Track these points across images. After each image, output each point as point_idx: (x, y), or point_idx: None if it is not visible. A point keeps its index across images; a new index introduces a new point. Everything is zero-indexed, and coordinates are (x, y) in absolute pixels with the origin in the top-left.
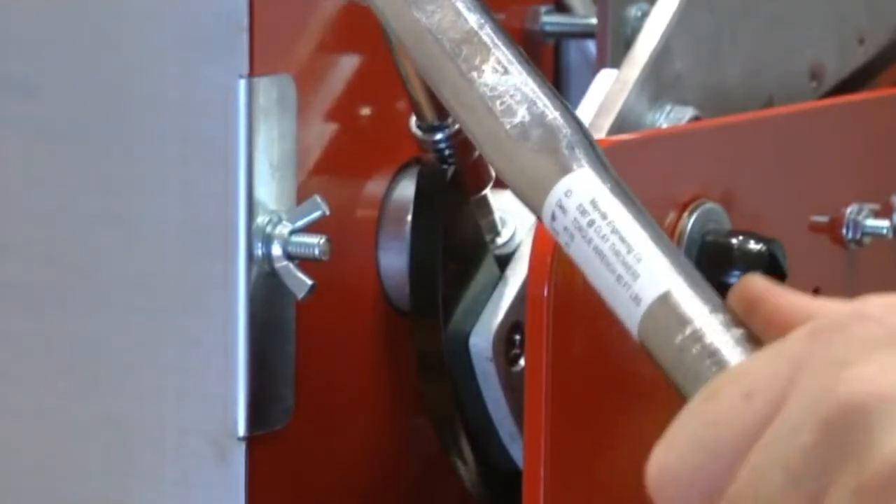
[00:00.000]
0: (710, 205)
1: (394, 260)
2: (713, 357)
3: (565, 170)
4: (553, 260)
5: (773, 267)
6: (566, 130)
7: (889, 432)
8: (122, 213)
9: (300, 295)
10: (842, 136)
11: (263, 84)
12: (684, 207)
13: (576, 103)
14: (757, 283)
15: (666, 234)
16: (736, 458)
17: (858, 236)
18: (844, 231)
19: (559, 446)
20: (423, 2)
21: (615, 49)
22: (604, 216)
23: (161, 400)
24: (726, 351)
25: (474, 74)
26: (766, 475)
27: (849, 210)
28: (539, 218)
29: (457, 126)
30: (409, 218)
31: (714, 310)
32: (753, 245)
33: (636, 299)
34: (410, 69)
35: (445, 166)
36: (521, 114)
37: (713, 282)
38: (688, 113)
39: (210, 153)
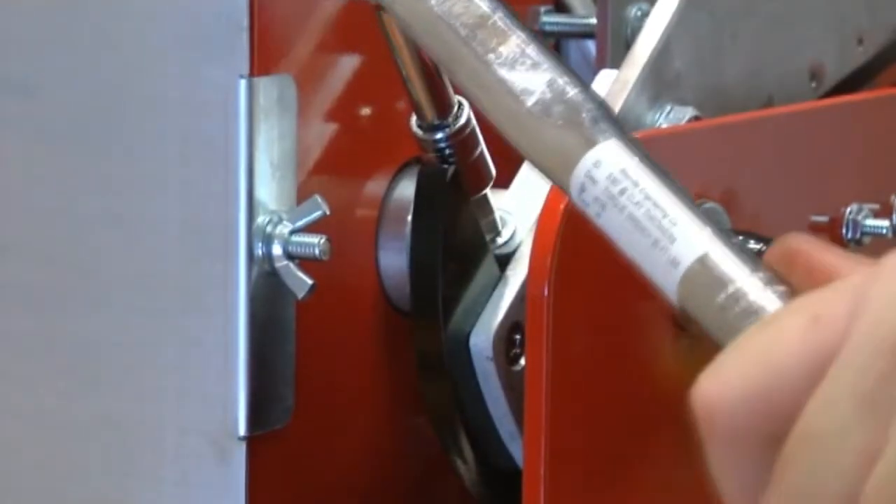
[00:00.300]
0: (710, 205)
1: (394, 260)
2: (757, 314)
3: (591, 142)
4: (553, 260)
5: None
6: (589, 105)
7: None
8: (122, 213)
9: (300, 295)
10: (842, 136)
11: (264, 84)
12: None
13: None
14: (797, 240)
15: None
16: (797, 385)
17: (858, 236)
18: (844, 231)
19: (559, 446)
20: None
21: (615, 49)
22: (635, 184)
23: (161, 400)
24: (771, 307)
25: (491, 56)
26: (839, 405)
27: (848, 210)
28: (567, 191)
29: (458, 125)
30: (410, 218)
31: (754, 269)
32: (753, 245)
33: (674, 262)
34: (411, 68)
35: (446, 166)
36: (541, 91)
37: None
38: (688, 113)
39: (210, 153)
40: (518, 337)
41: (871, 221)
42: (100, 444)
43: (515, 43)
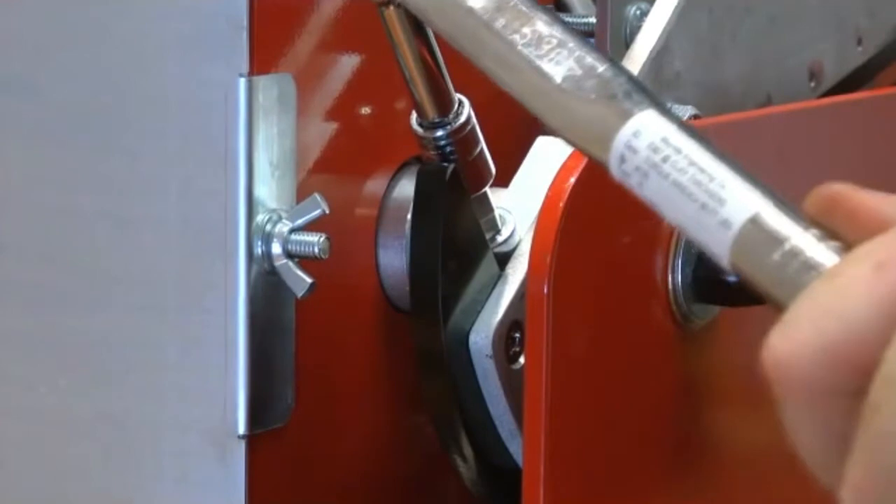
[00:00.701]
0: None
1: (394, 258)
2: (817, 269)
3: (627, 114)
4: (553, 258)
5: None
6: (620, 79)
7: None
8: (122, 213)
9: (300, 293)
10: (841, 135)
11: (263, 83)
12: None
13: None
14: (834, 186)
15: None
16: (871, 333)
17: None
18: None
19: (559, 444)
20: None
21: (614, 48)
22: (678, 150)
23: (161, 398)
24: (829, 261)
25: (516, 38)
26: None
27: None
28: (605, 165)
29: (458, 123)
30: (409, 216)
31: (807, 226)
32: None
33: (726, 224)
34: (412, 66)
35: (446, 164)
36: (570, 68)
37: (713, 281)
38: (687, 112)
39: (210, 152)
40: (518, 335)
41: None
42: (100, 443)
43: (538, 24)
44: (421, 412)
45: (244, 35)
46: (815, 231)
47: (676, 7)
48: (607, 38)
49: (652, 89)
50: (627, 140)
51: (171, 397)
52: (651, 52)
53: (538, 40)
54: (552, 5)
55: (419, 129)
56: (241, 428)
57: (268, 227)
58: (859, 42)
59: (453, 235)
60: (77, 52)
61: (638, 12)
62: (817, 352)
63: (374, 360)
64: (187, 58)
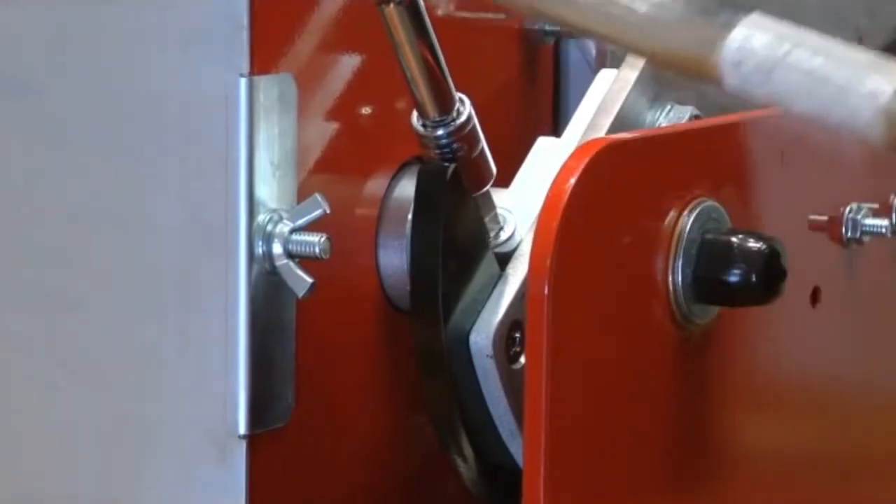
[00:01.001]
0: (709, 203)
1: (394, 258)
2: None
3: (729, 23)
4: (553, 258)
5: (772, 266)
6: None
7: None
8: (122, 213)
9: (300, 293)
10: (841, 135)
11: (264, 83)
12: (684, 206)
13: (576, 103)
14: None
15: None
16: None
17: (857, 235)
18: (844, 230)
19: (559, 444)
20: None
21: (615, 49)
22: (798, 44)
23: (162, 398)
24: None
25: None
26: None
27: (848, 209)
28: (714, 77)
29: (459, 121)
30: (410, 216)
31: None
32: (753, 244)
33: (873, 95)
34: (413, 65)
35: (447, 163)
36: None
37: (714, 281)
38: (687, 112)
39: (211, 152)
40: (518, 335)
41: (870, 220)
42: (100, 443)
43: None
44: (421, 412)
45: (244, 35)
46: None
47: None
48: None
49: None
50: (739, 45)
51: (172, 397)
52: None
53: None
54: None
55: (420, 128)
56: (242, 428)
57: (269, 227)
58: (859, 42)
59: (454, 235)
60: (77, 52)
61: None
62: None
63: (375, 360)
64: (187, 58)
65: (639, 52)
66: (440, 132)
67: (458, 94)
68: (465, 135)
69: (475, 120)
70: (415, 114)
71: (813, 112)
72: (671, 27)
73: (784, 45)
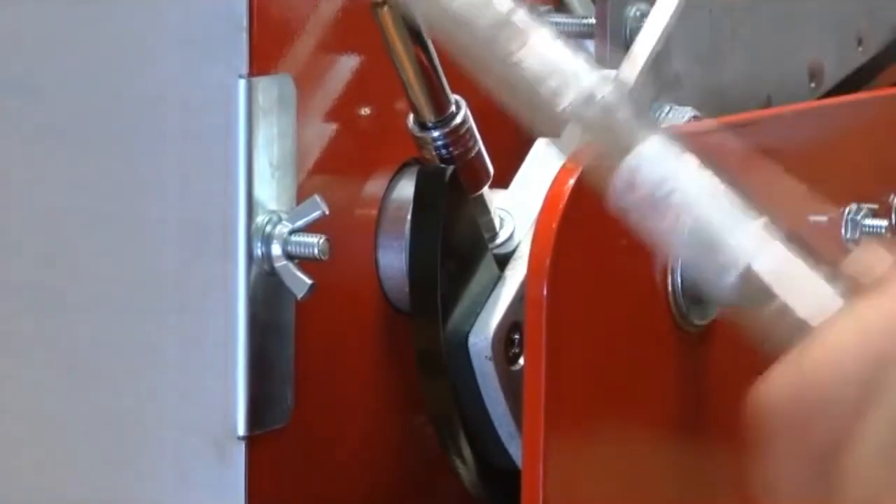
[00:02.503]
0: None
1: (393, 259)
2: (807, 327)
3: (628, 146)
4: (552, 260)
5: None
6: (623, 107)
7: None
8: (122, 213)
9: (300, 294)
10: (841, 136)
11: (263, 84)
12: None
13: None
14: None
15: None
16: (853, 395)
17: (857, 236)
18: (843, 231)
19: (558, 446)
20: None
21: (614, 49)
22: (678, 188)
23: (161, 399)
24: (822, 318)
25: (515, 59)
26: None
27: (848, 210)
28: (608, 193)
29: (454, 123)
30: (409, 217)
31: (815, 264)
32: None
33: (726, 267)
34: (407, 67)
35: (445, 165)
36: (571, 96)
37: None
38: (686, 113)
39: (209, 153)
40: (517, 337)
41: (870, 221)
42: (100, 444)
43: (539, 43)
44: (420, 413)
45: (244, 36)
46: (822, 270)
47: (676, 8)
48: (607, 38)
49: (650, 114)
50: (629, 172)
51: (171, 398)
52: (651, 53)
53: (539, 64)
54: (552, 6)
55: (416, 130)
56: (241, 429)
57: (268, 229)
58: (859, 42)
59: (453, 236)
60: (77, 52)
61: (638, 13)
62: (798, 402)
63: (374, 361)
64: (187, 58)
65: (554, 147)
66: (436, 134)
67: (454, 97)
68: (460, 136)
69: (471, 122)
70: (411, 116)
71: (681, 259)
72: (577, 135)
73: (668, 185)
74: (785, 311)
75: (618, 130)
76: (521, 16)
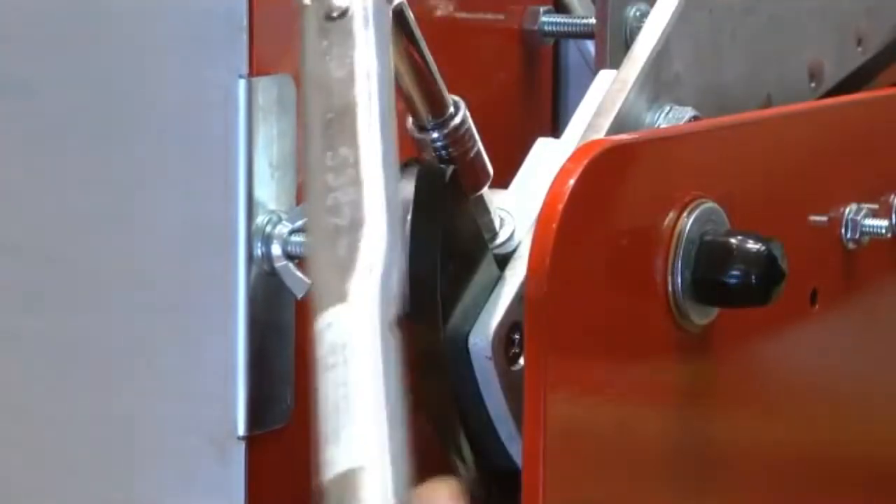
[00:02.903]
0: (709, 205)
1: None
2: None
3: (340, 298)
4: (552, 260)
5: (771, 267)
6: (374, 253)
7: None
8: (122, 213)
9: (300, 294)
10: (841, 136)
11: (263, 84)
12: (683, 207)
13: (575, 103)
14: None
15: (402, 399)
16: None
17: (857, 236)
18: (843, 231)
19: (558, 446)
20: (334, 46)
21: (614, 49)
22: (346, 363)
23: (161, 399)
24: None
25: (329, 155)
26: None
27: (848, 210)
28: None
29: (453, 124)
30: (409, 217)
31: (396, 492)
32: (752, 245)
33: (330, 462)
34: (403, 69)
35: (444, 166)
36: (344, 216)
37: (713, 282)
38: (687, 113)
39: (210, 153)
40: (517, 337)
41: (870, 221)
42: (100, 443)
43: (357, 151)
44: (420, 414)
45: (244, 36)
46: (398, 500)
47: (676, 8)
48: (607, 38)
49: (401, 269)
50: (325, 325)
51: (172, 398)
52: (651, 52)
53: (341, 167)
54: (552, 6)
55: (415, 132)
56: (241, 429)
57: (268, 229)
58: (859, 42)
59: (453, 237)
60: (77, 52)
61: (638, 13)
62: None
63: None
64: (187, 58)
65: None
66: (435, 135)
67: (452, 98)
68: (460, 137)
69: (470, 122)
70: (409, 117)
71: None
72: (320, 264)
73: (338, 355)
74: None
75: (343, 278)
76: (365, 108)
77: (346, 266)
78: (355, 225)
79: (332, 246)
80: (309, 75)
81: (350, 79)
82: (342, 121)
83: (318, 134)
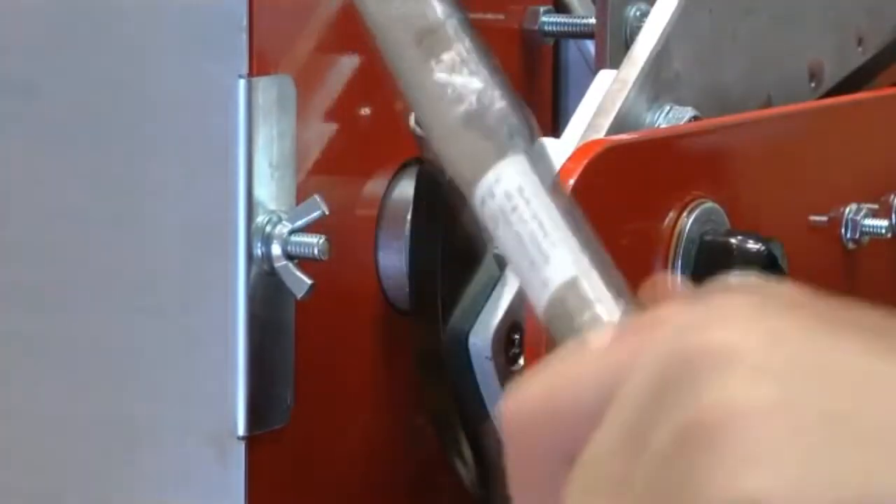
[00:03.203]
0: (709, 204)
1: (393, 259)
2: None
3: (500, 157)
4: None
5: (771, 267)
6: (511, 120)
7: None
8: (122, 213)
9: (299, 294)
10: (841, 136)
11: (263, 84)
12: (683, 207)
13: (575, 103)
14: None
15: (588, 227)
16: (589, 406)
17: (857, 236)
18: (843, 231)
19: None
20: None
21: (614, 49)
22: (527, 202)
23: (161, 399)
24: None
25: (433, 62)
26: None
27: (847, 210)
28: (473, 205)
29: None
30: (409, 217)
31: (618, 295)
32: (752, 245)
33: (545, 283)
34: None
35: None
36: (470, 101)
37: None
38: (687, 113)
39: (210, 153)
40: (517, 337)
41: (870, 221)
42: (100, 444)
43: (460, 52)
44: (420, 413)
45: (244, 36)
46: (623, 303)
47: (676, 8)
48: (607, 38)
49: (538, 136)
50: (490, 185)
51: (172, 398)
52: (651, 52)
53: (451, 68)
54: (551, 6)
55: (417, 129)
56: (241, 429)
57: (268, 229)
58: (859, 42)
59: (453, 237)
60: (77, 52)
61: (638, 13)
62: (536, 413)
63: (374, 360)
64: (187, 58)
65: (439, 154)
66: None
67: None
68: None
69: None
70: (412, 116)
71: (518, 278)
72: (463, 141)
73: (515, 200)
74: (595, 321)
75: (495, 142)
76: (454, 24)
77: (493, 135)
78: (484, 104)
79: (469, 128)
80: (373, 15)
81: (424, 6)
82: (433, 36)
83: (411, 55)
